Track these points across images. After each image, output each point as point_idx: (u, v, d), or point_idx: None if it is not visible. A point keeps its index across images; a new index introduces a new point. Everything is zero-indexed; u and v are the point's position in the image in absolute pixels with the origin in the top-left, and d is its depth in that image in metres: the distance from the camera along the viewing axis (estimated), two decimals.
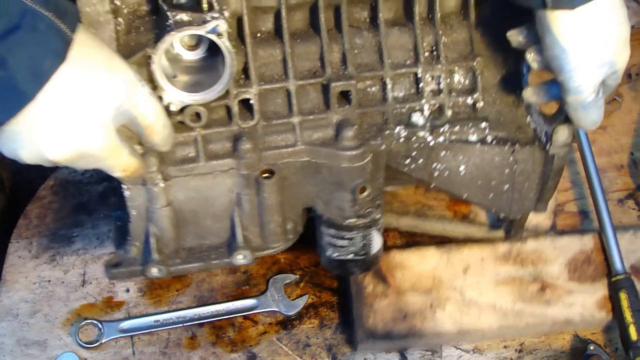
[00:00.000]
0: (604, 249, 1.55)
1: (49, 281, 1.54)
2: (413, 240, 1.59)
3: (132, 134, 1.16)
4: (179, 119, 1.22)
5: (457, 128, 1.30)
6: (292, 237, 1.37)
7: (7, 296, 1.52)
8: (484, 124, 1.31)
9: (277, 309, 1.51)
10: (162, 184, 1.26)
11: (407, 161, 1.32)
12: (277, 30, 1.26)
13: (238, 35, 1.24)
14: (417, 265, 1.52)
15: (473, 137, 1.31)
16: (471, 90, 1.32)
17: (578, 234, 1.58)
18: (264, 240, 1.34)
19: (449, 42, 1.30)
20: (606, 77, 1.19)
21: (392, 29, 1.29)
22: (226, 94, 1.23)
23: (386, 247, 1.55)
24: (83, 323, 1.48)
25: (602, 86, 1.20)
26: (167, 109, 1.19)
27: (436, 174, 1.33)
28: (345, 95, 1.28)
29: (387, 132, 1.29)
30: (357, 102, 1.27)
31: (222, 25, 1.12)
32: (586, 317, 1.49)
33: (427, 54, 1.30)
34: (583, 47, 1.15)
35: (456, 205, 1.60)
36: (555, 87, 1.23)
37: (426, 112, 1.31)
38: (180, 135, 1.24)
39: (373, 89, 1.30)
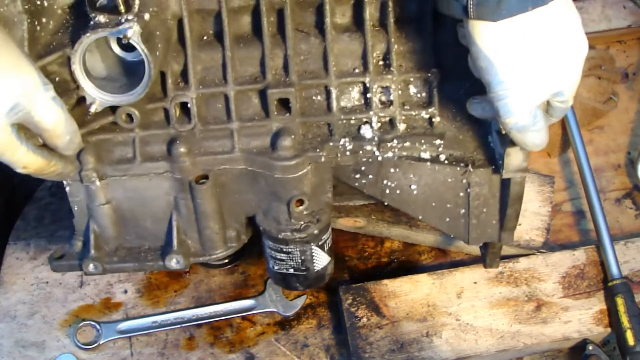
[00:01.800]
0: (599, 255, 1.54)
1: (47, 282, 1.54)
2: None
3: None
4: (111, 120, 1.22)
5: (407, 144, 1.23)
6: (235, 245, 1.33)
7: (4, 298, 1.52)
8: (437, 141, 1.23)
9: (275, 310, 1.51)
10: (98, 183, 1.26)
11: (357, 176, 1.26)
12: (220, 34, 1.23)
13: (179, 38, 1.23)
14: (410, 293, 1.51)
15: (425, 155, 1.23)
16: (427, 103, 1.24)
17: (569, 249, 1.57)
18: (203, 245, 1.32)
19: (405, 50, 1.24)
20: (550, 99, 1.10)
21: (342, 35, 1.23)
22: (164, 96, 1.23)
23: (377, 276, 1.54)
24: (81, 324, 1.48)
25: (549, 108, 1.12)
26: (88, 108, 1.18)
27: (387, 191, 1.26)
28: (286, 103, 1.23)
29: (331, 143, 1.23)
30: (298, 110, 1.23)
31: (132, 28, 1.11)
32: (584, 333, 1.48)
33: (380, 62, 1.24)
34: (512, 62, 1.05)
35: None
36: None
37: (375, 125, 1.24)
38: (120, 135, 1.24)
39: (319, 97, 1.25)
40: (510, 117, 1.08)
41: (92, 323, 1.48)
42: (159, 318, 1.50)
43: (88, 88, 1.17)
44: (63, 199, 1.63)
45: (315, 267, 1.33)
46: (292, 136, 1.22)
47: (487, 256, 1.37)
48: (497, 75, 1.06)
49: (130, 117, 1.22)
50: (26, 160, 1.12)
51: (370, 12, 1.22)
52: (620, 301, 1.47)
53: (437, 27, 1.23)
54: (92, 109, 1.18)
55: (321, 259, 1.33)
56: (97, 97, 1.18)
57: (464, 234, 1.29)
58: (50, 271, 1.54)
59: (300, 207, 1.24)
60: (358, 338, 1.46)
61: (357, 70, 1.24)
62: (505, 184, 1.21)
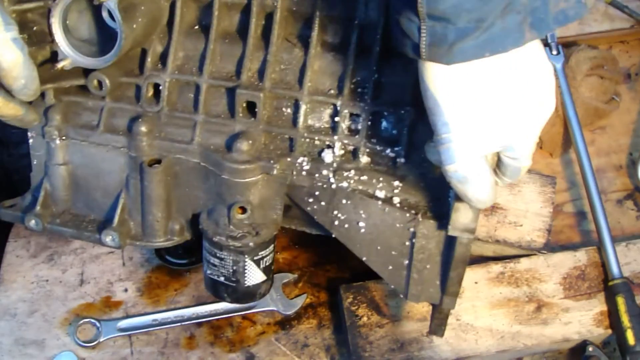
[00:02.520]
0: (601, 256, 1.54)
1: (47, 280, 1.54)
2: None
3: None
4: (82, 82, 1.26)
5: (364, 177, 1.18)
6: (176, 238, 1.31)
7: (5, 296, 1.52)
8: (396, 182, 1.18)
9: (275, 309, 1.51)
10: (58, 141, 1.29)
11: (310, 200, 1.21)
12: (209, 26, 1.25)
13: (169, 21, 1.26)
14: None
15: (380, 193, 1.18)
16: (395, 142, 1.19)
17: (571, 250, 1.56)
18: (143, 230, 1.30)
19: (386, 83, 1.20)
20: (501, 153, 1.03)
21: (327, 53, 1.22)
22: (140, 73, 1.27)
23: (378, 275, 1.53)
24: (81, 322, 1.48)
25: (501, 164, 1.05)
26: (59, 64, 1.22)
27: (336, 222, 1.21)
28: (254, 108, 1.22)
29: (289, 159, 1.21)
30: (263, 118, 1.22)
31: None
32: (584, 335, 1.47)
33: (358, 89, 1.20)
34: (459, 106, 0.98)
35: None
36: None
37: (337, 151, 1.20)
38: (90, 101, 1.29)
39: (288, 110, 1.23)
40: (450, 164, 1.01)
41: (92, 321, 1.48)
42: (159, 316, 1.50)
43: (62, 44, 1.20)
44: None
45: (246, 282, 1.29)
46: (250, 141, 1.21)
47: (432, 320, 1.30)
48: (443, 117, 0.99)
49: (100, 84, 1.25)
50: None
51: (359, 37, 1.20)
52: (620, 300, 1.47)
53: None
54: (60, 65, 1.21)
55: (254, 275, 1.29)
56: (69, 55, 1.21)
57: (403, 287, 1.22)
58: (50, 269, 1.55)
59: (241, 215, 1.22)
60: (358, 337, 1.46)
61: (331, 92, 1.22)
62: (451, 242, 1.15)
